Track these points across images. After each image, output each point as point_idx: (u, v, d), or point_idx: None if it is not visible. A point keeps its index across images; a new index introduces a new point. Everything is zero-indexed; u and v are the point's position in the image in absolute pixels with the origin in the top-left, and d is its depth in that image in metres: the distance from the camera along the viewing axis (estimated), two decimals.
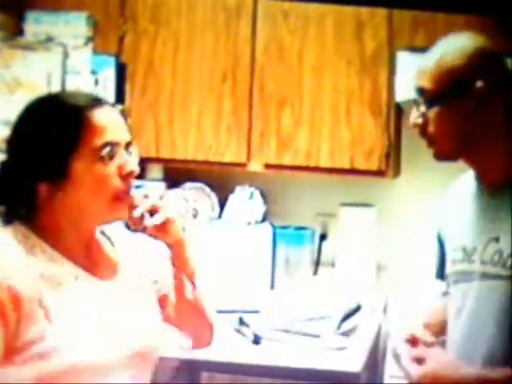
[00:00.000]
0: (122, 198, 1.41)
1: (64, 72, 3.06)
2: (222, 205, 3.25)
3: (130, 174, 1.41)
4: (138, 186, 3.47)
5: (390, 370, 2.77)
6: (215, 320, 1.67)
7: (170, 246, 1.55)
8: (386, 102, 2.99)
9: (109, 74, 3.07)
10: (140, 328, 1.47)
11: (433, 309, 1.97)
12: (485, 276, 1.65)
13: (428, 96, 1.64)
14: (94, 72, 3.06)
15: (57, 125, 1.38)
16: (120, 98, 3.10)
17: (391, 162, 3.04)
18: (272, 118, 3.07)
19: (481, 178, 1.71)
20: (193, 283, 1.57)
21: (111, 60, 3.08)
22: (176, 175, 3.30)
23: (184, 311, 1.59)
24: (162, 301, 1.58)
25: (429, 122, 1.65)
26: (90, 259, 1.45)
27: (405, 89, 2.91)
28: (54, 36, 3.08)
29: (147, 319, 1.50)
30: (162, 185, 3.26)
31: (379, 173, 3.04)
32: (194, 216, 3.20)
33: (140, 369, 1.47)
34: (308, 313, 2.85)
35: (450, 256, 1.77)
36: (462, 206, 1.76)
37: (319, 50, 3.03)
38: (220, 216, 3.23)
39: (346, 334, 2.83)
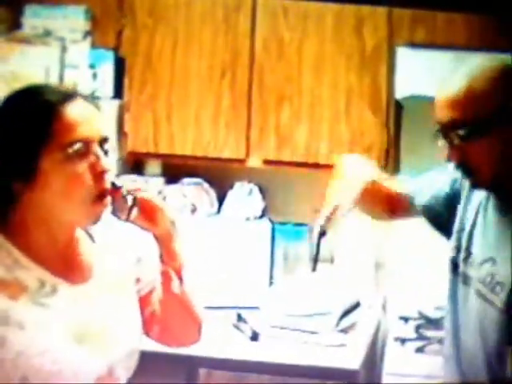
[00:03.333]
0: (95, 199, 1.33)
1: (62, 66, 3.05)
2: (221, 200, 3.24)
3: (103, 172, 1.33)
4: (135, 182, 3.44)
5: (389, 366, 2.76)
6: (203, 316, 1.60)
7: (157, 237, 1.48)
8: (385, 98, 2.98)
9: (107, 68, 3.06)
10: (119, 332, 1.42)
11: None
12: (479, 294, 1.62)
13: (464, 128, 1.53)
14: (92, 66, 3.06)
15: (27, 121, 1.31)
16: (118, 92, 3.09)
17: (391, 159, 3.03)
18: (271, 113, 3.05)
19: (499, 192, 1.64)
20: (180, 278, 1.51)
21: (109, 54, 3.07)
22: (174, 171, 3.29)
23: (171, 307, 1.53)
24: (146, 299, 1.53)
25: (468, 154, 1.55)
26: (63, 262, 1.39)
27: (404, 85, 2.90)
28: (52, 30, 3.07)
29: (126, 321, 1.46)
30: (161, 180, 3.25)
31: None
32: (193, 212, 3.19)
33: (121, 372, 1.43)
34: (306, 309, 2.84)
35: (452, 239, 1.74)
36: (478, 204, 1.70)
37: (319, 45, 3.02)
38: (219, 212, 3.22)
39: (344, 330, 2.82)
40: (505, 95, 1.53)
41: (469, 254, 1.68)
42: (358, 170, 1.84)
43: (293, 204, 3.35)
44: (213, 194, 3.23)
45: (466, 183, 1.72)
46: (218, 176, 3.28)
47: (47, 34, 3.07)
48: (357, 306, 2.96)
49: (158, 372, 2.67)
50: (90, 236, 1.47)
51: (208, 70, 3.06)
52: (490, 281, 1.59)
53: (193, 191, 3.21)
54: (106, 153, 1.36)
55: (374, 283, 3.22)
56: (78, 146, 1.30)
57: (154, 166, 3.32)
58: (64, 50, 3.07)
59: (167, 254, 1.49)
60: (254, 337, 2.75)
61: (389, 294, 3.25)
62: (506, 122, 1.53)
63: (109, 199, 1.36)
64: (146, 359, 2.62)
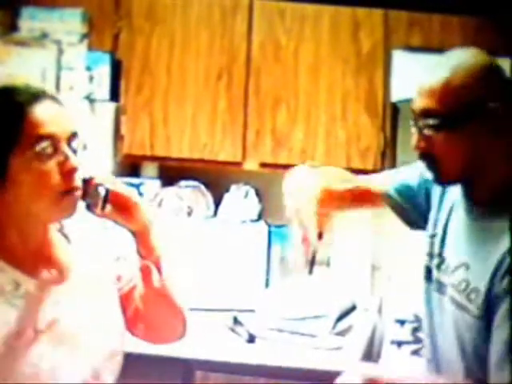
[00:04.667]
0: (64, 196, 1.35)
1: (59, 68, 3.06)
2: (217, 203, 3.24)
3: (71, 170, 1.35)
4: (133, 185, 3.47)
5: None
6: (186, 310, 1.59)
7: (134, 232, 1.48)
8: (381, 101, 2.99)
9: (104, 71, 3.06)
10: (99, 333, 1.42)
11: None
12: (453, 301, 1.59)
13: (436, 118, 1.51)
14: (88, 68, 3.06)
15: None
16: (115, 95, 3.09)
17: (387, 162, 3.03)
18: (267, 116, 3.06)
19: (471, 196, 1.61)
20: (159, 271, 1.49)
21: (106, 57, 3.07)
22: (171, 173, 3.29)
23: (152, 301, 1.52)
24: (128, 296, 1.52)
25: (434, 145, 1.52)
26: (38, 264, 1.39)
27: (401, 88, 2.91)
28: (49, 32, 3.07)
29: (107, 322, 1.46)
30: (157, 183, 3.25)
31: (375, 172, 3.00)
32: (189, 214, 3.19)
33: (107, 377, 1.43)
34: (303, 312, 2.84)
35: (424, 245, 1.72)
36: (449, 211, 1.68)
37: (315, 48, 3.03)
38: (215, 214, 3.22)
39: (341, 333, 2.82)
40: (483, 92, 1.50)
41: (442, 259, 1.64)
42: (302, 185, 1.82)
43: None
44: (209, 196, 3.23)
45: (438, 188, 1.71)
46: (215, 179, 3.28)
47: (44, 36, 3.07)
48: (353, 309, 2.96)
49: (155, 374, 2.67)
50: (66, 237, 1.47)
51: (204, 72, 3.07)
52: (464, 287, 1.55)
53: (189, 194, 3.21)
54: (75, 151, 1.37)
55: (370, 286, 3.22)
56: (45, 144, 1.32)
57: (150, 169, 3.32)
58: (61, 52, 3.07)
59: (145, 249, 1.48)
60: (251, 339, 2.75)
61: (385, 297, 3.25)
62: (480, 120, 1.50)
63: (79, 194, 1.37)
64: (143, 362, 2.63)
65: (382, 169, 3.02)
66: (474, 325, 1.53)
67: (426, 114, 1.53)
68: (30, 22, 3.09)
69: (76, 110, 3.03)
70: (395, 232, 3.26)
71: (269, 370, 2.66)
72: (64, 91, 3.07)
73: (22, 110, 1.33)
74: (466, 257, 1.57)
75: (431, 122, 1.51)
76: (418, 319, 2.99)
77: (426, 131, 1.53)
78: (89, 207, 1.41)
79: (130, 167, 3.31)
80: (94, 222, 1.45)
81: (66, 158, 1.34)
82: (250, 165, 3.10)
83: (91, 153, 3.03)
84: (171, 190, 3.21)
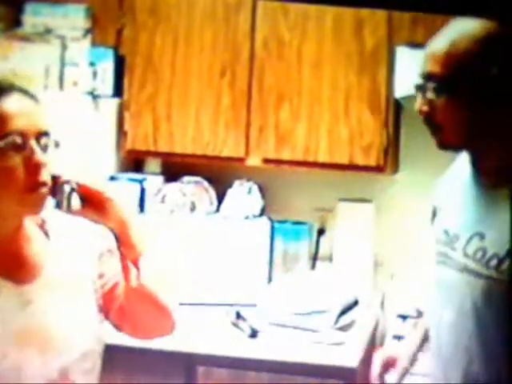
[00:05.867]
0: (29, 192, 1.32)
1: (62, 64, 3.06)
2: (220, 199, 3.24)
3: (37, 165, 1.31)
4: (136, 180, 3.46)
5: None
6: (173, 305, 1.53)
7: (111, 229, 1.43)
8: (384, 97, 2.99)
9: (107, 67, 3.07)
10: (71, 333, 1.40)
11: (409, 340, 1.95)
12: (465, 269, 1.60)
13: (438, 82, 1.54)
14: (92, 64, 3.06)
15: None
16: (118, 90, 3.09)
17: (390, 158, 3.03)
18: (271, 113, 3.06)
19: (477, 166, 1.64)
20: (137, 268, 1.44)
21: (109, 52, 3.07)
22: (174, 169, 3.29)
23: (133, 299, 1.47)
24: (112, 293, 1.49)
25: (436, 109, 1.56)
26: (8, 261, 1.37)
27: (404, 85, 2.91)
28: (53, 28, 3.08)
29: (80, 322, 1.43)
30: (160, 179, 3.25)
31: (378, 168, 3.04)
32: (192, 210, 3.20)
33: (77, 376, 1.41)
34: (305, 307, 2.85)
35: (435, 233, 1.74)
36: (456, 187, 1.71)
37: (318, 45, 3.03)
38: (218, 210, 3.23)
39: (343, 328, 2.83)
40: (486, 59, 1.53)
41: (455, 237, 1.65)
42: None
43: (292, 202, 3.36)
44: (212, 192, 3.24)
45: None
46: (218, 174, 3.29)
47: (47, 31, 3.07)
48: (355, 304, 2.97)
49: (157, 370, 2.68)
50: (46, 233, 1.45)
51: (208, 69, 3.07)
52: (481, 256, 1.56)
53: (192, 190, 3.21)
54: (45, 147, 1.35)
55: (373, 281, 3.23)
56: (11, 138, 1.30)
57: (153, 165, 3.33)
58: (64, 48, 3.08)
59: (124, 246, 1.43)
60: (253, 334, 2.76)
61: (387, 292, 3.26)
62: (482, 85, 1.52)
63: (46, 191, 1.34)
64: (145, 357, 2.64)
65: (385, 165, 3.03)
66: (490, 288, 1.54)
67: (429, 77, 1.56)
68: (34, 17, 3.09)
69: (78, 105, 3.05)
70: (398, 227, 3.28)
71: (271, 364, 2.67)
72: (67, 87, 3.08)
73: None
74: (477, 226, 1.59)
75: (433, 85, 1.55)
76: (419, 314, 3.00)
77: (429, 95, 1.56)
78: (57, 205, 1.38)
79: (133, 163, 3.32)
80: (77, 218, 1.41)
81: (32, 153, 1.31)
82: (253, 161, 3.10)
83: (94, 148, 3.05)
84: (174, 186, 3.21)
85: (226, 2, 3.05)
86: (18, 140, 1.31)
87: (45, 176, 1.33)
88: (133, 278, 1.44)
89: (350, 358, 2.66)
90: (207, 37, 3.06)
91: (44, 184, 1.33)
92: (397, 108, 3.06)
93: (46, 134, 1.35)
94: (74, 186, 1.37)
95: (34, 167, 1.31)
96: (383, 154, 3.01)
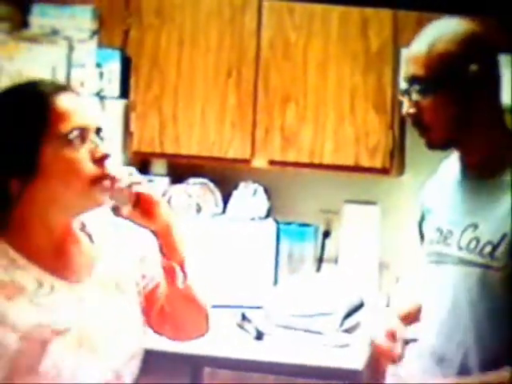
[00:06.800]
0: (96, 183, 1.34)
1: (69, 65, 3.07)
2: (226, 201, 3.24)
3: (102, 157, 1.35)
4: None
5: (392, 367, 2.76)
6: (210, 308, 1.58)
7: (156, 233, 1.43)
8: (390, 98, 2.98)
9: (114, 68, 3.07)
10: (120, 333, 1.41)
11: (410, 298, 1.96)
12: (461, 262, 1.63)
13: (421, 84, 1.59)
14: (98, 65, 3.07)
15: (21, 114, 1.33)
16: (124, 91, 3.10)
17: (395, 160, 3.03)
18: (276, 114, 3.06)
19: (464, 161, 1.69)
20: (183, 271, 1.46)
21: (116, 53, 3.08)
22: (180, 171, 3.29)
23: (177, 301, 1.49)
24: (152, 295, 1.51)
25: (422, 110, 1.61)
26: (61, 260, 1.39)
27: None
28: (59, 29, 3.08)
29: (127, 322, 1.44)
30: (166, 180, 3.25)
31: (383, 170, 3.03)
32: (198, 211, 3.20)
33: (128, 377, 1.43)
34: (310, 309, 2.84)
35: (427, 235, 1.77)
36: (445, 186, 1.75)
37: (324, 46, 3.03)
38: (224, 212, 3.23)
39: (348, 330, 2.83)
40: (465, 57, 1.58)
41: (448, 232, 1.68)
42: None
43: (297, 204, 3.35)
44: (218, 194, 3.24)
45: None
46: (223, 176, 3.29)
47: (54, 33, 3.08)
48: (360, 306, 2.96)
49: (163, 371, 2.67)
50: (89, 236, 1.46)
51: (214, 69, 3.07)
52: (475, 245, 1.59)
53: (198, 191, 3.21)
54: (102, 140, 1.37)
55: (378, 283, 3.22)
56: (76, 132, 1.32)
57: (159, 166, 3.33)
58: (71, 49, 3.08)
59: (168, 249, 1.44)
60: (259, 336, 2.75)
61: (392, 294, 3.25)
62: (462, 83, 1.58)
63: (108, 184, 1.36)
64: (151, 358, 2.63)
65: (391, 167, 3.02)
66: (485, 276, 1.57)
67: (412, 80, 1.62)
68: (41, 18, 3.10)
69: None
70: (403, 230, 3.27)
71: (276, 366, 2.66)
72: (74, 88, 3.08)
73: (47, 100, 1.33)
74: (470, 218, 1.62)
75: (417, 87, 1.60)
76: None
77: (414, 97, 1.61)
78: (113, 209, 1.39)
79: (139, 164, 3.31)
80: (116, 221, 1.43)
81: (96, 145, 1.35)
82: (259, 162, 3.10)
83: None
84: (180, 187, 3.22)
85: (232, 2, 3.06)
86: (81, 134, 1.34)
87: (108, 167, 1.36)
88: (179, 280, 1.45)
89: (355, 360, 2.65)
90: (213, 37, 3.06)
91: (107, 176, 1.36)
92: (402, 109, 3.04)
93: (101, 129, 1.38)
94: (133, 191, 1.39)
95: (99, 158, 1.34)
96: (389, 155, 3.01)
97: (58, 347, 1.32)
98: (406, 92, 1.64)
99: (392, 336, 1.81)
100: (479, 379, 1.60)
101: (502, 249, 1.55)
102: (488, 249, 1.58)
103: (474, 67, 1.57)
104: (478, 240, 1.60)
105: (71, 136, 1.32)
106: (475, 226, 1.61)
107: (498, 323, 1.57)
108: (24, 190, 1.33)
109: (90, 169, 1.34)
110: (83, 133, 1.34)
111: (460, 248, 1.63)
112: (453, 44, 1.59)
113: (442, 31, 1.63)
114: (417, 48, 1.63)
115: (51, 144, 1.32)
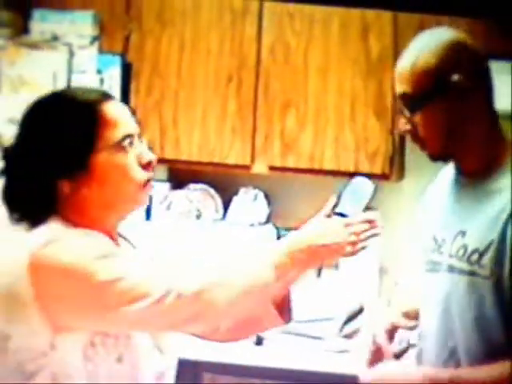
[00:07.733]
0: (144, 187, 1.42)
1: (69, 71, 3.07)
2: (226, 206, 3.24)
3: (149, 162, 1.42)
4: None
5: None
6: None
7: None
8: (390, 104, 2.99)
9: (114, 73, 3.07)
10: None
11: (411, 297, 1.96)
12: (451, 270, 1.63)
13: (409, 100, 1.61)
14: (99, 71, 3.07)
15: (71, 121, 1.38)
16: (125, 97, 3.10)
17: (395, 166, 3.03)
18: (276, 119, 3.06)
19: (459, 168, 1.70)
20: None
21: (117, 59, 3.08)
22: (180, 176, 3.30)
23: None
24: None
25: (416, 126, 1.62)
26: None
27: None
28: (60, 35, 3.08)
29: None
30: (167, 186, 3.26)
31: (383, 176, 3.04)
32: (198, 217, 3.20)
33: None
34: (311, 315, 2.84)
35: (424, 243, 1.77)
36: (441, 193, 1.76)
37: (324, 51, 3.03)
38: (224, 217, 3.23)
39: (348, 336, 2.83)
40: (446, 68, 1.59)
41: (441, 241, 1.69)
42: None
43: (297, 210, 3.34)
44: (218, 199, 3.24)
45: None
46: (224, 182, 3.29)
47: (55, 38, 3.08)
48: (360, 311, 2.96)
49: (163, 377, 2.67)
50: (128, 241, 1.53)
51: (214, 75, 3.08)
52: (463, 253, 1.60)
53: (198, 197, 3.22)
54: (144, 145, 1.45)
55: (378, 289, 3.22)
56: (128, 140, 1.39)
57: (159, 172, 3.32)
58: (71, 54, 3.08)
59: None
60: (259, 342, 2.75)
61: (392, 299, 3.25)
62: (447, 93, 1.58)
63: (152, 185, 1.44)
64: None
65: (391, 173, 3.02)
66: (473, 284, 1.57)
67: (402, 97, 1.63)
68: (41, 24, 3.10)
69: None
70: (403, 236, 3.27)
71: (276, 372, 2.66)
72: None
73: (95, 107, 1.39)
74: (460, 225, 1.63)
75: (407, 104, 1.62)
76: None
77: (407, 114, 1.63)
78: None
79: None
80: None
81: (143, 151, 1.42)
82: (259, 168, 3.11)
83: None
84: (180, 193, 3.22)
85: (232, 7, 3.06)
86: (131, 140, 1.41)
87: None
88: None
89: (354, 365, 2.64)
90: (213, 43, 3.07)
91: (152, 179, 1.44)
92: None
93: (140, 136, 1.46)
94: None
95: (147, 163, 1.43)
96: (389, 161, 3.01)
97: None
98: (400, 109, 1.66)
99: (392, 334, 1.81)
100: (473, 373, 1.60)
101: (488, 256, 1.55)
102: (475, 256, 1.57)
103: (455, 77, 1.57)
104: (465, 247, 1.60)
105: (124, 143, 1.39)
106: (463, 234, 1.61)
107: (487, 332, 1.56)
108: (76, 192, 1.38)
109: (140, 173, 1.41)
110: (131, 139, 1.40)
111: (451, 256, 1.64)
112: (433, 57, 1.59)
113: (424, 45, 1.63)
114: (401, 65, 1.64)
115: (102, 151, 1.38)
